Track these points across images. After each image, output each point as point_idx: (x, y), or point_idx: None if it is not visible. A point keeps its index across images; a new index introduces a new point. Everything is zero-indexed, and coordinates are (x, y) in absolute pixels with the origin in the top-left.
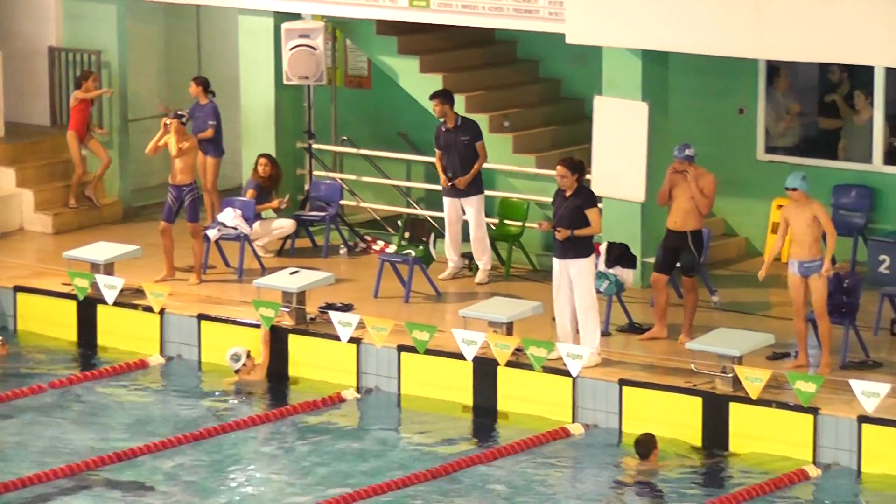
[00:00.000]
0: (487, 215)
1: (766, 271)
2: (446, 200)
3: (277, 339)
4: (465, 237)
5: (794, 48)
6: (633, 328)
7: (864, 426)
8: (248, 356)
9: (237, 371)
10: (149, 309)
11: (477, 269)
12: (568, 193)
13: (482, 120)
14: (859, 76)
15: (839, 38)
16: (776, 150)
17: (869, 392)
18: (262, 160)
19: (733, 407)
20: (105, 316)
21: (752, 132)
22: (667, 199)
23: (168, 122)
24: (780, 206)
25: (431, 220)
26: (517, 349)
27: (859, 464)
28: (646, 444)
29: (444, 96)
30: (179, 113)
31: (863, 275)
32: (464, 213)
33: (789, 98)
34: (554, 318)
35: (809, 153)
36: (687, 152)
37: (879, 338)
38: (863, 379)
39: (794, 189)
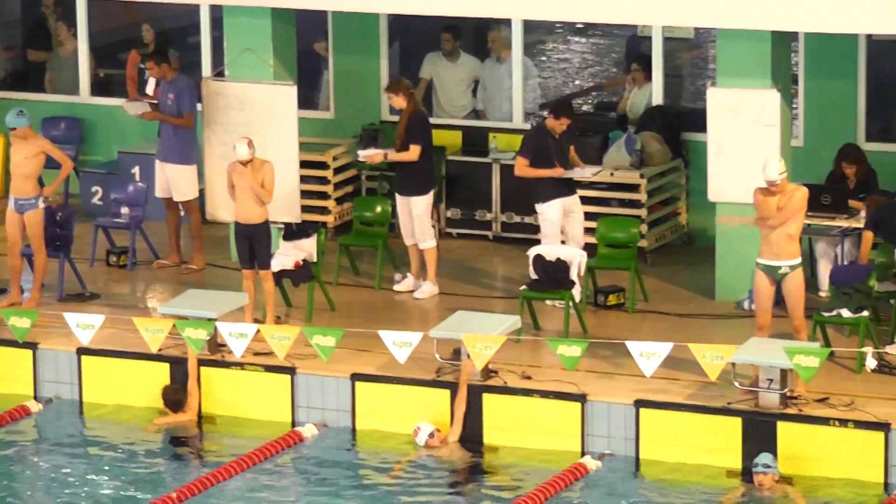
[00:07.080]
0: None
1: None
2: None
3: None
4: None
5: None
6: None
7: (84, 358)
8: None
9: None
10: None
11: None
12: None
13: None
14: (65, 7)
15: None
16: None
17: (84, 324)
18: None
19: None
20: None
21: None
22: None
23: None
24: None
25: None
26: None
27: (81, 394)
28: None
29: None
30: None
31: (76, 207)
32: None
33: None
34: None
35: (17, 87)
36: None
37: (95, 269)
38: (80, 311)
39: (14, 129)
